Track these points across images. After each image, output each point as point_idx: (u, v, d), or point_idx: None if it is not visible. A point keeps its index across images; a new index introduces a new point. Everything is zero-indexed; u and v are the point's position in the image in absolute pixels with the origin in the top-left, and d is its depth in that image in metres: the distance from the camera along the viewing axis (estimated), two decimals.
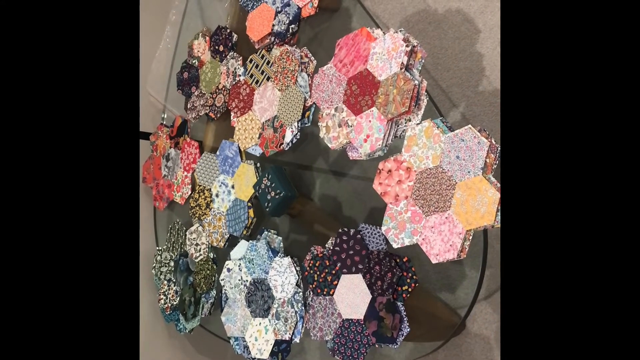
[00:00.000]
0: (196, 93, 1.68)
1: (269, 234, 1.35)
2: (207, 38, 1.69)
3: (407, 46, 1.05)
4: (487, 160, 0.92)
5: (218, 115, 1.57)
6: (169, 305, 1.67)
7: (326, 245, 1.21)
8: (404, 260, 1.06)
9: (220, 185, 1.50)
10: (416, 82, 1.04)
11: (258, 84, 1.43)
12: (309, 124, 1.27)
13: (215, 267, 1.51)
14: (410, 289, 1.05)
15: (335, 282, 1.15)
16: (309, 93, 1.27)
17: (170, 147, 1.76)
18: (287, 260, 1.26)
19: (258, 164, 1.41)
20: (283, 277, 1.25)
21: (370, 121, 1.10)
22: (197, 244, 1.57)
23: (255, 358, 1.29)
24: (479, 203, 0.91)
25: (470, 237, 0.94)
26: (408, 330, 1.03)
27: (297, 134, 1.28)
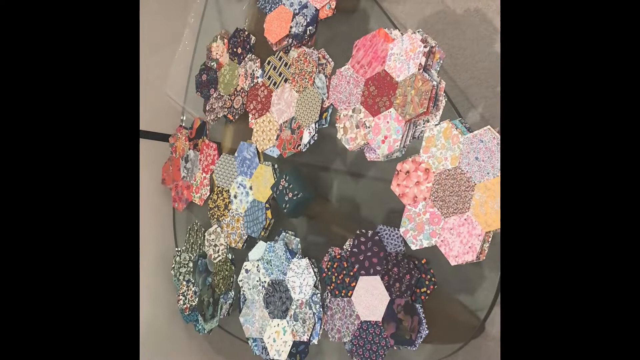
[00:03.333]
0: (215, 95, 1.69)
1: (287, 235, 1.36)
2: (226, 40, 1.70)
3: (425, 47, 1.05)
4: None
5: (236, 117, 1.58)
6: (188, 305, 1.68)
7: (344, 247, 1.20)
8: (423, 262, 1.06)
9: (238, 187, 1.51)
10: (434, 82, 1.03)
11: (276, 86, 1.43)
12: (327, 125, 1.27)
13: (233, 268, 1.51)
14: (428, 291, 1.04)
15: (354, 283, 1.15)
16: (327, 94, 1.27)
17: (189, 149, 1.78)
18: (305, 261, 1.26)
19: (276, 165, 1.42)
20: (301, 278, 1.26)
21: (388, 122, 1.09)
22: (215, 245, 1.58)
23: (273, 359, 1.29)
24: (499, 204, 0.90)
25: (490, 239, 0.93)
26: (427, 332, 1.03)
27: (314, 135, 1.28)
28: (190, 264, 1.70)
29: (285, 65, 1.41)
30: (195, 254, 1.69)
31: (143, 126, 1.87)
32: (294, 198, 1.29)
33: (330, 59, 1.31)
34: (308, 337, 1.22)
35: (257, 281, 1.38)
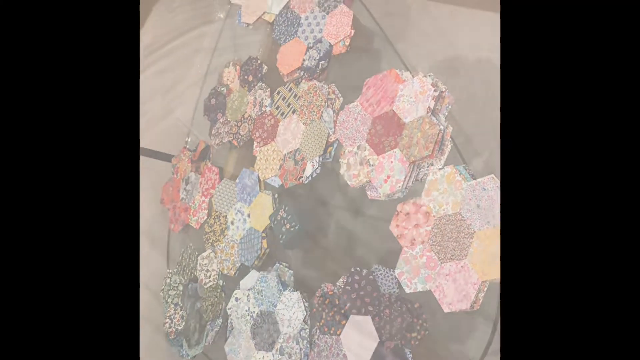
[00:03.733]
0: (222, 120, 1.70)
1: (281, 266, 1.34)
2: (238, 67, 1.71)
3: (435, 91, 1.05)
4: None
5: (241, 144, 1.58)
6: (174, 329, 1.65)
7: (337, 284, 1.19)
8: (415, 306, 1.04)
9: (236, 213, 1.50)
10: (441, 127, 1.04)
11: (283, 116, 1.44)
12: (331, 160, 1.27)
13: (223, 295, 1.49)
14: (419, 336, 1.02)
15: (344, 321, 1.13)
16: (333, 129, 1.27)
17: (191, 171, 1.77)
18: (297, 295, 1.24)
19: (276, 195, 1.41)
20: (291, 311, 1.24)
21: (392, 162, 1.09)
22: (207, 270, 1.56)
23: None
24: (497, 254, 0.89)
25: (485, 289, 0.92)
26: None
27: (317, 168, 1.28)
28: (180, 287, 1.68)
29: (295, 96, 1.42)
30: (186, 278, 1.66)
31: (147, 145, 1.88)
32: (292, 229, 1.28)
33: (339, 95, 1.32)
34: None
35: (246, 311, 1.35)
